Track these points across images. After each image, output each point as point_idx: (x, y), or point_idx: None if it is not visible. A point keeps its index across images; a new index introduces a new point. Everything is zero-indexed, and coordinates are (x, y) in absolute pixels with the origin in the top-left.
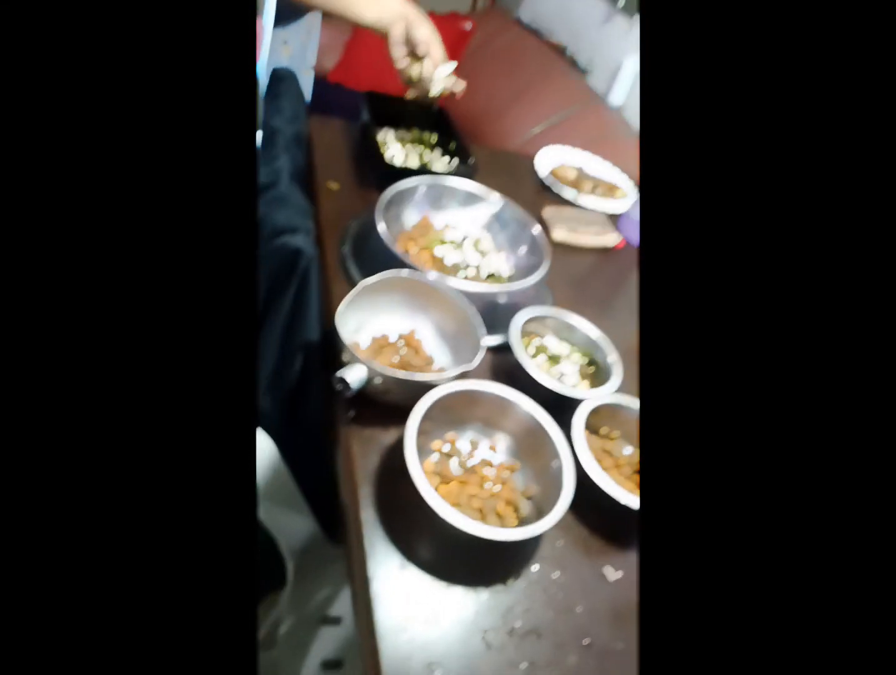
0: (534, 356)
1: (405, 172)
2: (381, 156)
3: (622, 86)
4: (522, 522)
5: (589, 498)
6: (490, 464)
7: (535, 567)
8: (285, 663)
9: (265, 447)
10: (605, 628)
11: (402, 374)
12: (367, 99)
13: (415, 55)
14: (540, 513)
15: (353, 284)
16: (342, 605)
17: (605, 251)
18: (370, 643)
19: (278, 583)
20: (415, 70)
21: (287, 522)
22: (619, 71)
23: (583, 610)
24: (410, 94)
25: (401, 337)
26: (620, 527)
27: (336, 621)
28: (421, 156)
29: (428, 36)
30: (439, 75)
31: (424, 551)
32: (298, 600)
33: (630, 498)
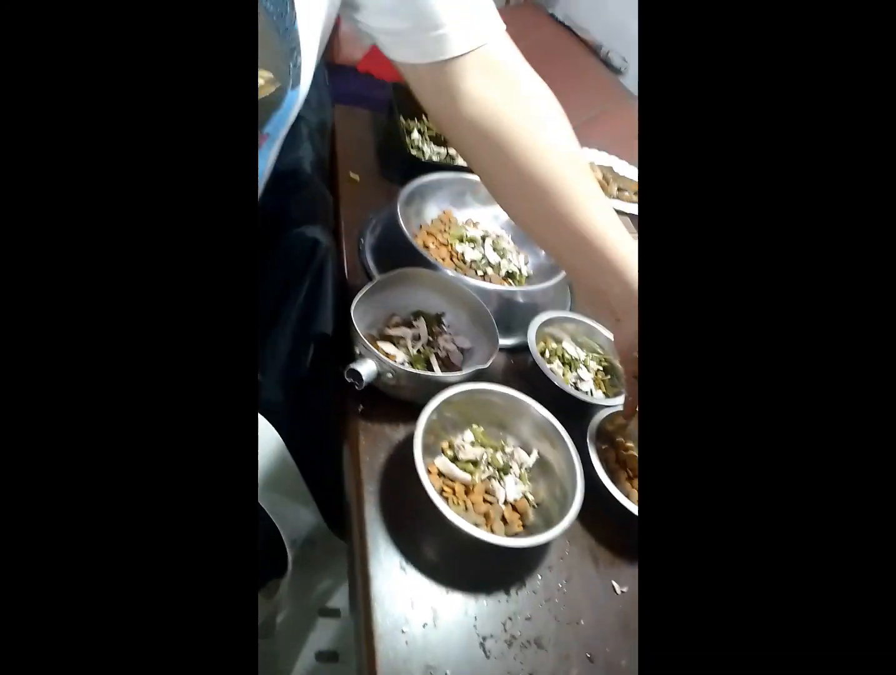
0: (549, 360)
1: (428, 166)
2: (404, 148)
3: None
4: (529, 529)
5: (599, 507)
6: (499, 468)
7: (539, 576)
8: (282, 652)
9: (272, 438)
10: (610, 642)
11: (413, 370)
12: (393, 90)
13: None
14: (547, 521)
15: (370, 278)
16: (341, 597)
17: None
18: (368, 643)
19: (279, 571)
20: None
21: (291, 512)
22: None
23: (587, 623)
24: None
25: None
26: (631, 539)
27: (334, 613)
28: (446, 150)
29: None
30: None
31: (427, 552)
32: (298, 590)
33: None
